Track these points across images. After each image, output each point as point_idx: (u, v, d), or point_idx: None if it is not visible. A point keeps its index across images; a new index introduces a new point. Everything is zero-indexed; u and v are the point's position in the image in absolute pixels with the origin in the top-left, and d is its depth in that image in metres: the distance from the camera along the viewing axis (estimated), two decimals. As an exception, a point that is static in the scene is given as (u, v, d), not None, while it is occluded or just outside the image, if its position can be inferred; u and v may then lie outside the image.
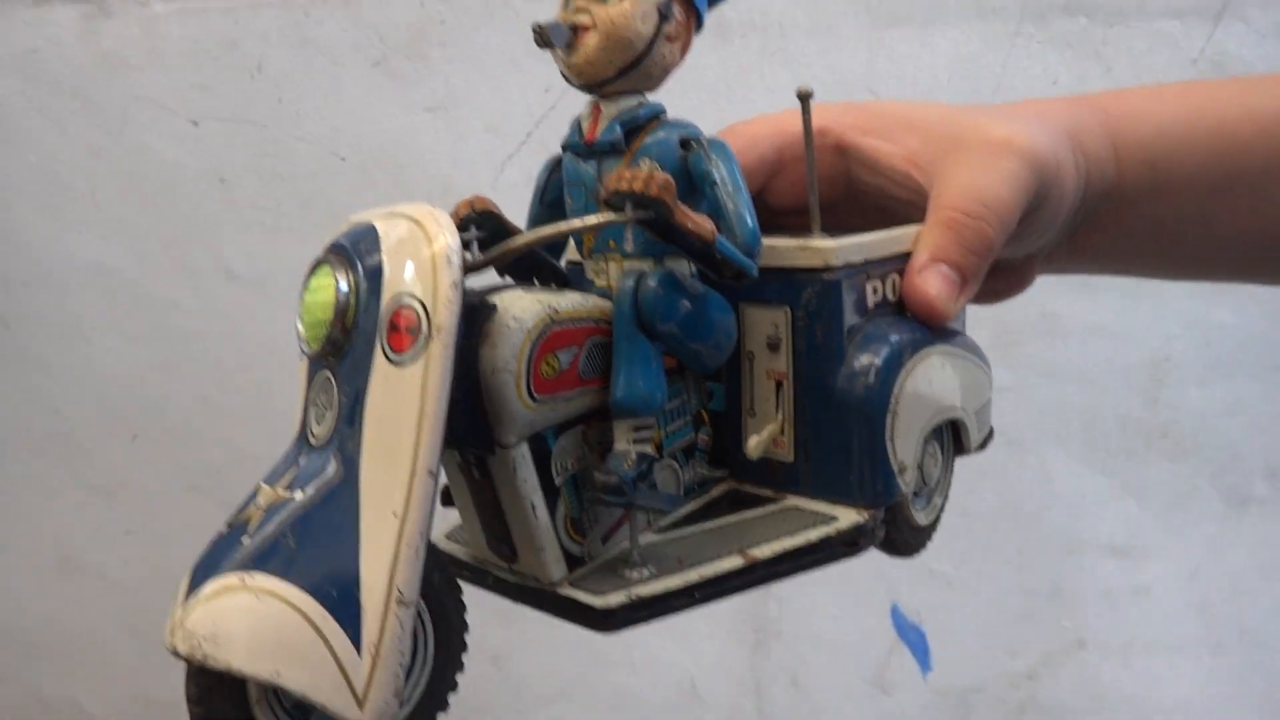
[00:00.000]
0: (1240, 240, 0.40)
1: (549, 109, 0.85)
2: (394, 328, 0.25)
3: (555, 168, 0.32)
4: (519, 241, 0.28)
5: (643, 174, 0.27)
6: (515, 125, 0.85)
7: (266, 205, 0.88)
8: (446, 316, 0.25)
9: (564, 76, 0.30)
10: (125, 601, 1.05)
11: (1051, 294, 0.85)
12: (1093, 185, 0.37)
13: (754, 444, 0.32)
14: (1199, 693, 1.04)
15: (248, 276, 0.90)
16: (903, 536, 0.34)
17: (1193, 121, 0.39)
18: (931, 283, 0.33)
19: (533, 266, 0.31)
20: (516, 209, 0.90)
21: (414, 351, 0.25)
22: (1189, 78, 0.85)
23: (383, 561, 0.24)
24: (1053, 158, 0.35)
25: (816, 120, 0.34)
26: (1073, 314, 0.86)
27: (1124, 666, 1.00)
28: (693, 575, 0.29)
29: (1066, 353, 0.88)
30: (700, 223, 0.28)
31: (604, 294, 0.30)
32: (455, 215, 0.29)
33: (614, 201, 0.27)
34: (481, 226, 0.29)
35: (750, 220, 0.29)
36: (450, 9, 0.82)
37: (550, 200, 0.32)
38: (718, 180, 0.29)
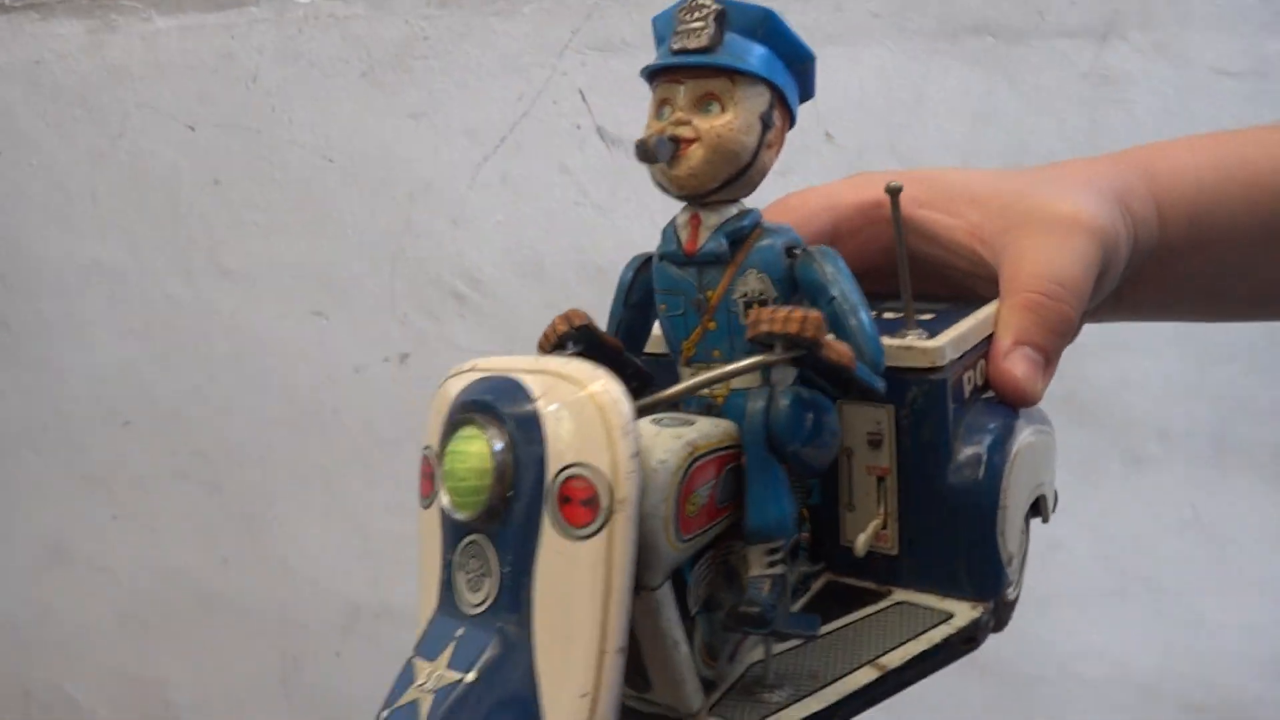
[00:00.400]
0: (1271, 293, 0.41)
1: (521, 115, 0.93)
2: (566, 499, 0.24)
3: (642, 268, 0.31)
4: (673, 391, 0.28)
5: (796, 315, 0.26)
6: (491, 131, 0.94)
7: (259, 205, 0.95)
8: (630, 489, 0.23)
9: (660, 187, 0.29)
10: (113, 588, 1.09)
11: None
12: (1140, 245, 0.37)
13: (861, 541, 0.32)
14: (1107, 637, 1.16)
15: (241, 273, 0.97)
16: (1000, 617, 0.33)
17: (1229, 175, 0.38)
18: (1019, 366, 0.33)
19: (618, 366, 0.30)
20: (493, 208, 1.02)
21: (594, 526, 0.23)
22: (1082, 91, 0.98)
23: None
24: (1114, 229, 0.35)
25: (871, 191, 0.35)
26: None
27: (1040, 616, 1.11)
28: (830, 695, 0.28)
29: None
30: (843, 352, 0.27)
31: (708, 405, 0.30)
32: (553, 331, 0.29)
33: (763, 340, 0.27)
34: (578, 341, 0.29)
35: (876, 338, 0.29)
36: (433, 26, 0.91)
37: (635, 302, 0.32)
38: (837, 296, 0.29)
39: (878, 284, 0.34)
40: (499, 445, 0.24)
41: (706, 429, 0.27)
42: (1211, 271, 0.39)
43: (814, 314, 0.26)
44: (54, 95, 0.91)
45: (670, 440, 0.26)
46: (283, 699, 1.14)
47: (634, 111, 0.98)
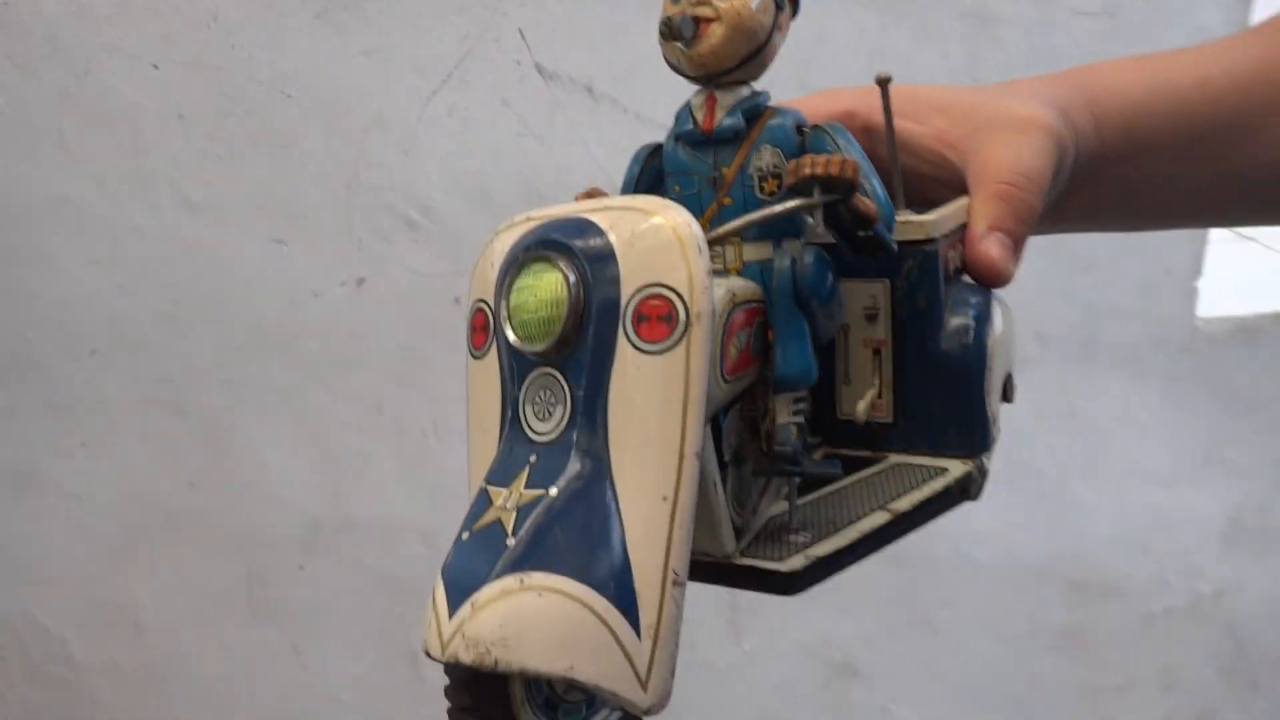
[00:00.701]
0: (1197, 194, 0.44)
1: (465, 53, 1.02)
2: (643, 318, 0.25)
3: (651, 156, 0.33)
4: (734, 225, 0.29)
5: (835, 159, 0.28)
6: (437, 67, 1.02)
7: (220, 139, 1.02)
8: (705, 302, 0.24)
9: (673, 68, 0.30)
10: (82, 514, 1.14)
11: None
12: (1080, 154, 0.40)
13: (861, 408, 0.34)
14: (998, 523, 1.30)
15: (203, 204, 1.03)
16: (981, 479, 0.35)
17: (1156, 92, 0.42)
18: (994, 249, 0.35)
19: None
20: (441, 140, 1.14)
21: (672, 340, 0.24)
22: (962, 29, 1.11)
23: (656, 546, 0.24)
24: (1064, 132, 0.38)
25: (843, 102, 0.38)
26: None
27: (941, 505, 1.24)
28: (852, 533, 0.30)
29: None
30: (869, 205, 0.29)
31: (724, 275, 0.31)
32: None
33: (802, 187, 0.28)
34: None
35: (889, 203, 0.31)
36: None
37: (645, 188, 0.33)
38: None
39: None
40: (572, 276, 0.25)
41: (739, 283, 0.29)
42: (1140, 179, 0.43)
43: (850, 158, 0.28)
44: (21, 36, 0.97)
45: (715, 288, 0.26)
46: (248, 614, 1.21)
47: (570, 49, 1.09)
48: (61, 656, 1.20)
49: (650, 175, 0.32)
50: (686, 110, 0.31)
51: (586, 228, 0.25)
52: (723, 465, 0.29)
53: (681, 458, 0.24)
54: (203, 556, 1.17)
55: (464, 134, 1.04)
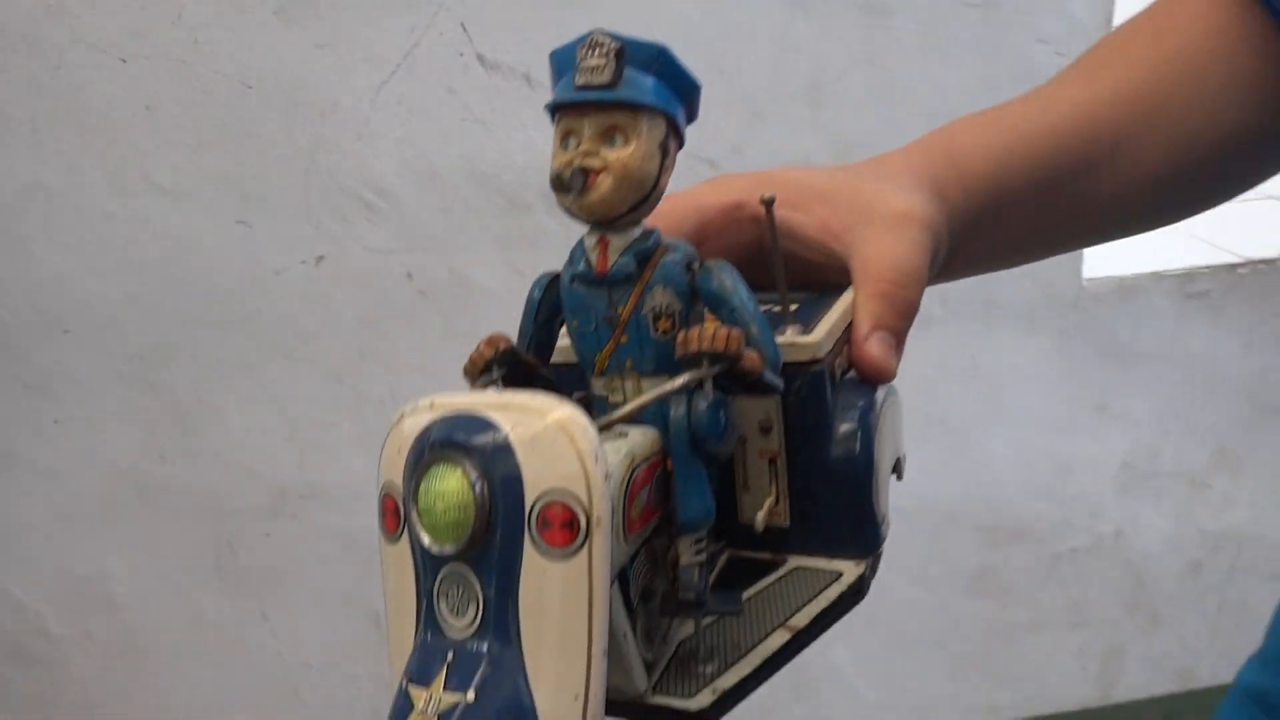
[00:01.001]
0: (1058, 230, 0.47)
1: (413, 45, 1.12)
2: (546, 523, 0.25)
3: (549, 286, 0.33)
4: (625, 411, 0.30)
5: (721, 334, 0.29)
6: (388, 58, 1.12)
7: (186, 128, 1.10)
8: (604, 509, 0.25)
9: (569, 212, 0.31)
10: (56, 489, 1.20)
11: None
12: (954, 227, 0.41)
13: (759, 519, 0.35)
14: (912, 469, 1.40)
15: (170, 189, 1.11)
16: (875, 568, 0.37)
17: (1012, 146, 0.43)
18: (877, 349, 0.36)
19: (527, 378, 0.33)
20: (392, 125, 1.25)
21: (574, 546, 0.25)
22: (860, 20, 1.24)
23: None
24: (939, 220, 0.40)
25: (732, 194, 0.39)
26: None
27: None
28: (755, 659, 0.32)
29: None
30: (754, 360, 0.30)
31: (623, 432, 0.31)
32: (480, 357, 0.31)
33: (690, 360, 0.29)
34: (502, 365, 0.31)
35: (773, 341, 0.32)
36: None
37: (544, 319, 0.33)
38: (736, 306, 0.31)
39: (745, 275, 0.40)
40: (476, 479, 0.25)
41: (638, 439, 0.29)
42: (1006, 228, 0.44)
43: (735, 331, 0.29)
44: (-5, 32, 1.04)
45: (613, 455, 0.28)
46: (218, 582, 1.27)
47: (507, 42, 1.19)
48: (38, 631, 1.25)
49: (550, 303, 0.33)
50: (581, 251, 0.32)
51: (488, 429, 0.26)
52: (633, 611, 0.30)
53: (590, 658, 0.26)
54: (173, 526, 1.24)
55: (413, 120, 1.14)
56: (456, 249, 1.17)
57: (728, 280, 0.31)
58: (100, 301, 1.13)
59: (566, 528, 0.25)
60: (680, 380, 0.29)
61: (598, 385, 0.32)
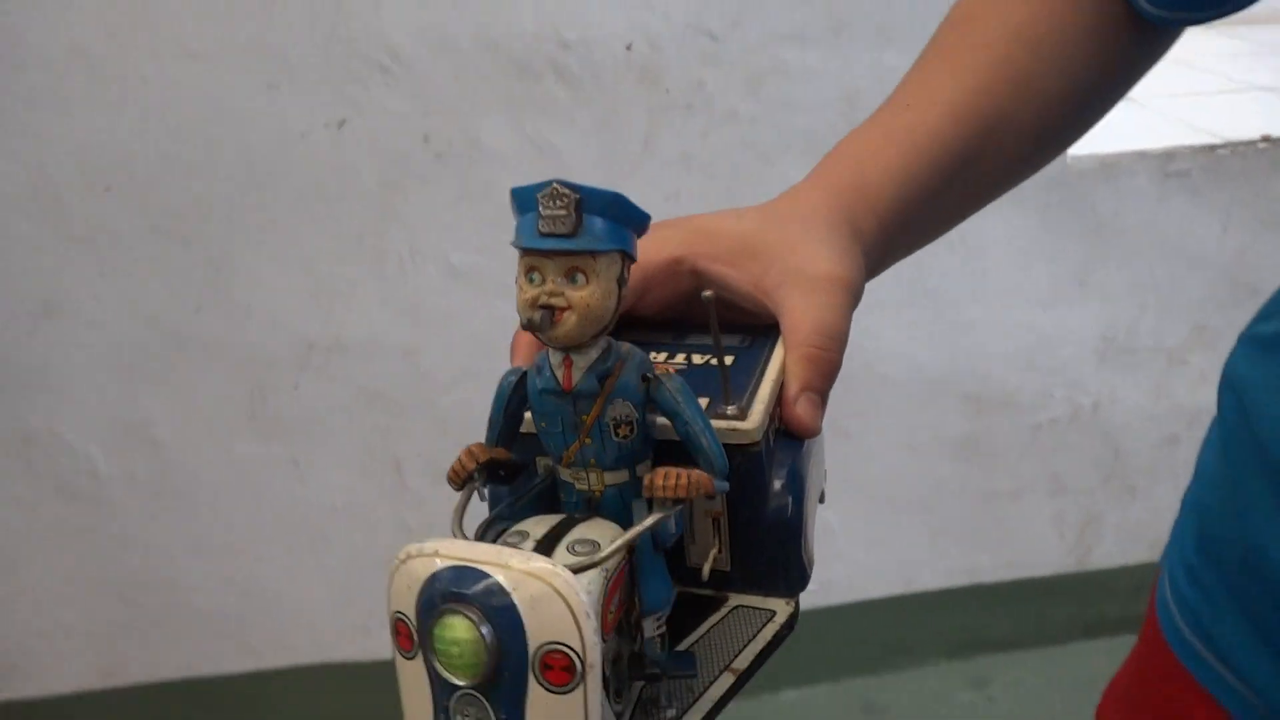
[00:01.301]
0: (958, 211, 0.51)
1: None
2: (548, 666, 0.29)
3: (519, 384, 0.36)
4: (608, 552, 0.33)
5: (683, 482, 0.33)
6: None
7: (216, -6, 1.17)
8: (596, 657, 0.30)
9: (538, 339, 0.34)
10: (101, 338, 1.29)
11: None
12: (870, 254, 0.45)
13: (705, 569, 0.39)
14: (901, 338, 1.49)
15: (203, 54, 1.19)
16: (797, 614, 0.41)
17: (908, 161, 0.46)
18: (805, 410, 0.40)
19: (510, 473, 0.37)
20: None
21: (572, 684, 0.29)
22: None
23: None
24: (859, 274, 0.43)
25: (669, 249, 0.43)
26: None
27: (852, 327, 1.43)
28: (706, 704, 0.36)
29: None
30: (708, 485, 0.34)
31: (587, 497, 0.36)
32: (461, 468, 0.35)
33: (659, 500, 0.33)
34: (482, 473, 0.35)
35: (720, 450, 0.35)
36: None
37: (513, 411, 0.37)
38: (688, 420, 0.35)
39: (684, 320, 0.45)
40: (486, 630, 0.29)
41: (610, 563, 0.33)
42: (915, 234, 0.49)
43: (695, 475, 0.33)
44: (38, -100, 1.11)
45: (594, 585, 0.31)
46: (251, 429, 1.37)
47: None
48: (88, 472, 1.36)
49: (519, 398, 0.37)
50: (548, 367, 0.35)
51: (493, 587, 0.30)
52: (607, 683, 0.33)
53: None
54: (209, 376, 1.33)
55: (428, -12, 1.21)
56: (470, 114, 1.25)
57: (678, 395, 0.35)
58: (139, 161, 1.22)
59: (565, 670, 0.30)
60: (650, 520, 0.34)
61: (565, 474, 0.36)
